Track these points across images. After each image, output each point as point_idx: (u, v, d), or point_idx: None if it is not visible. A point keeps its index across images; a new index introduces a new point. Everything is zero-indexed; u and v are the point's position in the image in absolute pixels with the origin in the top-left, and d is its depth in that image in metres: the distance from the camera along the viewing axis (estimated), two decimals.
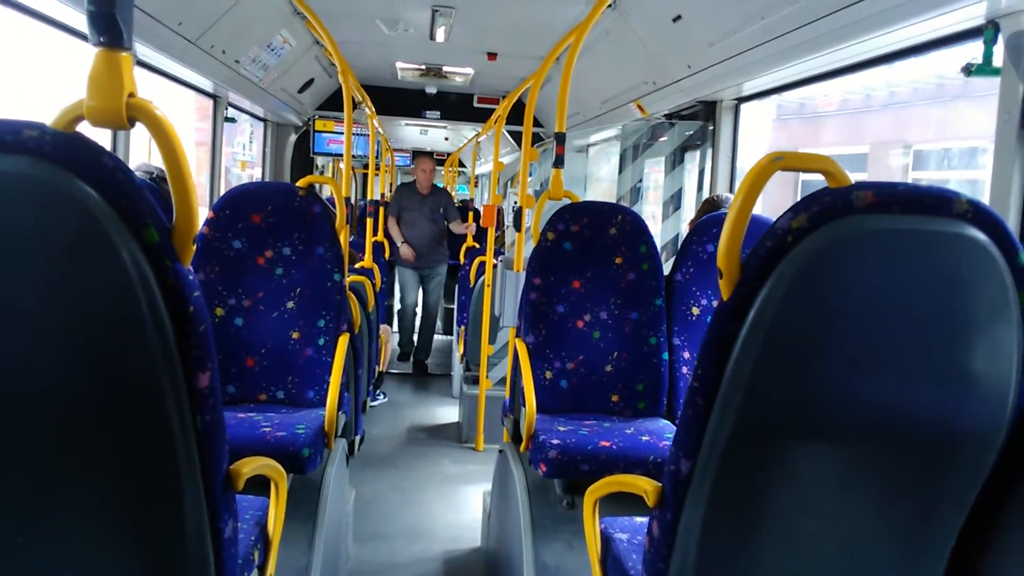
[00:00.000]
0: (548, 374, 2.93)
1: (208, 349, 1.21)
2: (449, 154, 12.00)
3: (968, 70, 2.23)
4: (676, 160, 4.31)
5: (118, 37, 1.09)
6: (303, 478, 2.57)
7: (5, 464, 1.22)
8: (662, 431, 2.68)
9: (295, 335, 2.83)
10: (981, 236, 1.21)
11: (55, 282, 1.12)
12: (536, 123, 6.60)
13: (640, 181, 4.63)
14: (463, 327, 5.89)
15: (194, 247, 1.19)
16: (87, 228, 1.09)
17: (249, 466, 1.47)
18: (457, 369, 5.99)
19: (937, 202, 1.22)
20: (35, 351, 1.15)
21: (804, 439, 1.32)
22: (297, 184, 2.90)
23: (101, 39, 1.09)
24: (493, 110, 6.80)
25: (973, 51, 2.27)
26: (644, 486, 1.52)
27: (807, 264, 1.20)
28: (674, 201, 4.35)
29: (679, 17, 3.49)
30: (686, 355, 2.94)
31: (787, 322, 1.22)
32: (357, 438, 3.42)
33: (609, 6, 3.24)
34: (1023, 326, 1.25)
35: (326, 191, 8.34)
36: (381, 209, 6.71)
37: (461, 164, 12.65)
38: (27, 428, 1.20)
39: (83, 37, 2.79)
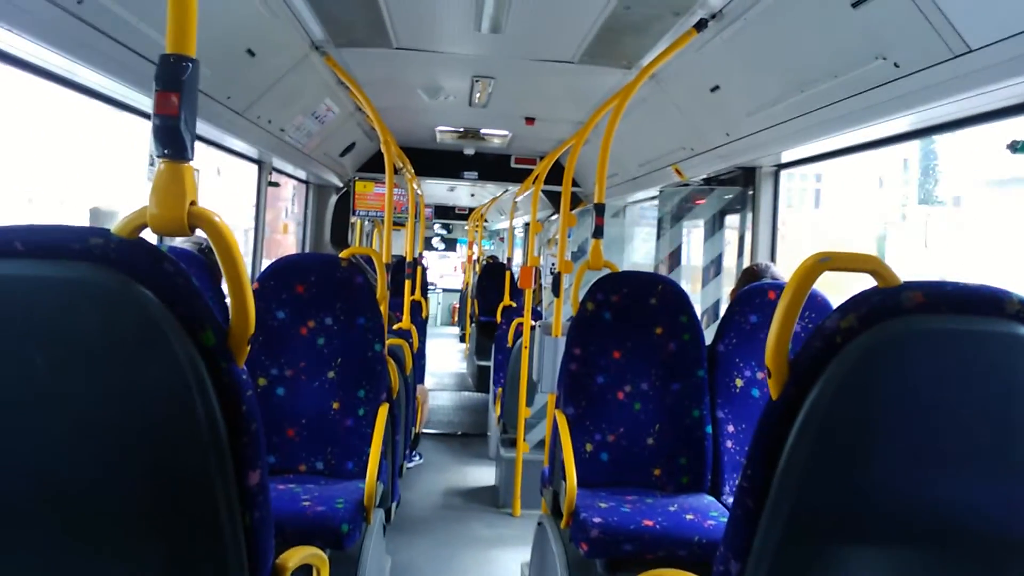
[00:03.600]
0: (588, 446, 2.91)
1: (259, 447, 1.23)
2: (471, 209, 12.11)
3: (1015, 147, 2.22)
4: (716, 225, 4.31)
5: (182, 150, 1.14)
6: (342, 553, 2.56)
7: (56, 559, 1.24)
8: (706, 509, 2.63)
9: (335, 405, 2.85)
10: None
11: (114, 382, 1.15)
12: (573, 182, 6.67)
13: (679, 247, 4.63)
14: (500, 388, 5.88)
15: (248, 348, 1.22)
16: (146, 331, 1.12)
17: (294, 558, 1.47)
18: (494, 430, 5.96)
19: (988, 302, 1.20)
20: (91, 448, 1.18)
21: (857, 542, 1.29)
22: (340, 255, 2.95)
23: (166, 151, 1.14)
24: (529, 170, 6.88)
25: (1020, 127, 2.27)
26: None
27: (857, 365, 1.19)
28: (714, 266, 4.33)
29: (717, 87, 3.52)
30: (730, 428, 2.89)
31: (838, 424, 1.21)
32: (393, 504, 3.41)
33: (650, 76, 3.29)
34: None
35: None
36: (419, 269, 6.77)
37: (484, 219, 12.76)
38: (78, 523, 1.22)
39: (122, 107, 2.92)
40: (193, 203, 1.16)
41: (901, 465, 1.23)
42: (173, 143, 1.14)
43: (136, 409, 1.16)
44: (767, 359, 1.27)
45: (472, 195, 10.95)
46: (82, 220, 3.73)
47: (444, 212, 13.29)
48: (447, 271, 17.06)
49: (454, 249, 17.10)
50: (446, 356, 12.01)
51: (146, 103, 2.82)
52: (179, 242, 3.04)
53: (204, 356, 1.15)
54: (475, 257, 12.29)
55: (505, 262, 9.44)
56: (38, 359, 1.12)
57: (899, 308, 1.19)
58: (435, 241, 17.11)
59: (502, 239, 13.35)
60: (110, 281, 1.11)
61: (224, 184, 5.03)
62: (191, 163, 1.16)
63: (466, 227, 12.48)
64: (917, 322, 1.18)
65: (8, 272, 1.11)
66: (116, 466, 1.19)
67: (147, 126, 3.07)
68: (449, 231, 16.94)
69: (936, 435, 1.21)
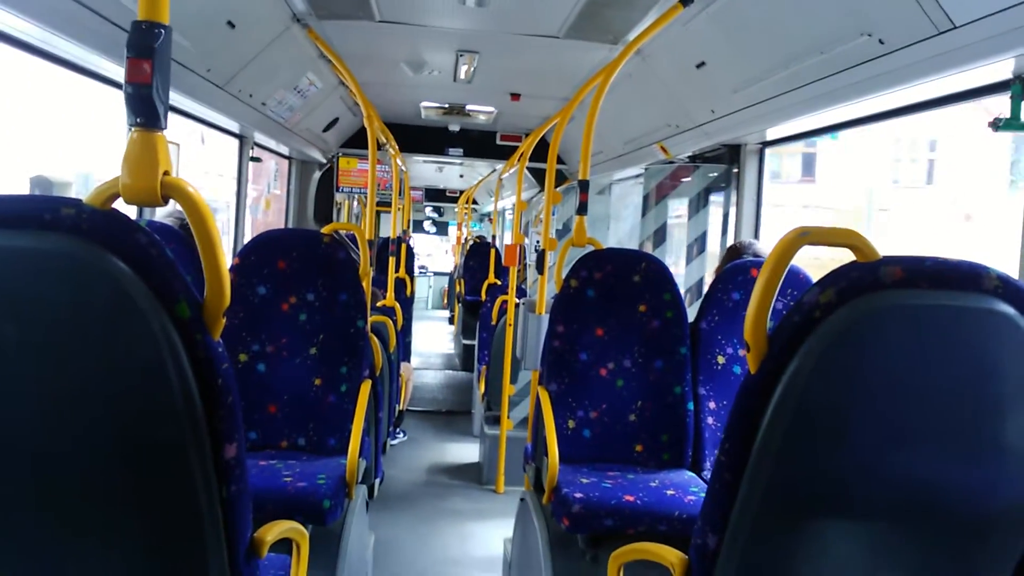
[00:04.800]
0: (571, 423, 2.91)
1: (235, 420, 1.22)
2: (462, 191, 12.08)
3: (996, 125, 2.22)
4: (700, 203, 4.31)
5: (155, 118, 1.11)
6: (324, 529, 2.56)
7: (31, 533, 1.23)
8: (687, 484, 2.64)
9: (317, 382, 2.84)
10: (1011, 311, 1.19)
11: (87, 355, 1.14)
12: (558, 160, 6.65)
13: (664, 224, 4.63)
14: (484, 365, 5.89)
15: (224, 320, 1.20)
16: (120, 303, 1.11)
17: (272, 532, 1.47)
18: (478, 408, 5.98)
19: (966, 277, 1.20)
20: (63, 421, 1.16)
21: (833, 515, 1.30)
22: (322, 231, 2.92)
23: (138, 120, 1.11)
24: (515, 147, 6.85)
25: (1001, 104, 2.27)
26: (671, 558, 1.50)
27: (835, 339, 1.19)
28: (698, 244, 4.34)
29: (703, 63, 3.50)
30: (711, 405, 2.91)
31: (815, 397, 1.21)
32: (376, 481, 3.41)
33: (634, 52, 3.26)
34: None
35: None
36: (403, 247, 6.74)
37: (474, 202, 12.73)
38: (54, 496, 1.21)
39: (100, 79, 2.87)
40: (167, 173, 1.14)
41: (878, 439, 1.23)
42: (146, 111, 1.12)
43: (110, 382, 1.15)
44: (746, 333, 1.27)
45: (461, 176, 10.90)
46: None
47: (435, 195, 13.23)
48: (439, 253, 17.01)
49: (445, 233, 17.04)
50: (436, 337, 12.03)
51: (118, 72, 2.76)
52: (160, 217, 3.00)
53: (179, 328, 1.13)
54: (464, 239, 12.27)
55: (490, 241, 9.43)
56: (8, 331, 1.10)
57: (878, 283, 1.19)
58: (426, 224, 17.04)
59: (491, 220, 13.32)
60: (82, 252, 1.09)
61: (209, 152, 4.94)
62: (164, 132, 1.14)
63: (456, 210, 12.44)
64: (895, 297, 1.18)
65: None
66: (90, 440, 1.18)
67: (109, 94, 3.00)
68: (441, 214, 16.87)
69: (913, 409, 1.22)
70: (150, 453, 1.18)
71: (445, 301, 15.85)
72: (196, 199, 1.15)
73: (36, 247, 1.09)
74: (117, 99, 2.83)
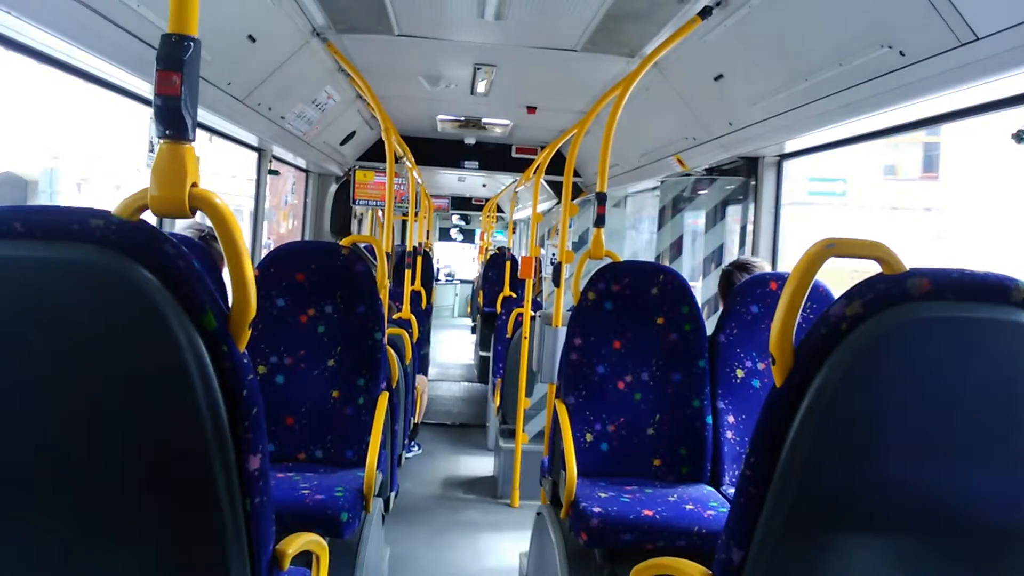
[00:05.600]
0: (588, 436, 2.90)
1: (260, 432, 1.22)
2: (487, 199, 12.09)
3: (1019, 137, 2.21)
4: (717, 215, 4.30)
5: (183, 130, 1.12)
6: (341, 541, 2.56)
7: (52, 541, 1.23)
8: (706, 499, 2.62)
9: (335, 394, 2.84)
10: None
11: (115, 364, 1.14)
12: (574, 172, 6.65)
13: (680, 237, 4.62)
14: (499, 378, 5.87)
15: (250, 332, 1.21)
16: (147, 313, 1.11)
17: (294, 544, 1.46)
18: (493, 421, 5.96)
19: (993, 289, 1.19)
20: (90, 430, 1.17)
21: (859, 530, 1.28)
22: (340, 243, 2.93)
23: (167, 132, 1.12)
24: (531, 160, 6.86)
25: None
26: (694, 573, 1.48)
27: (862, 352, 1.18)
28: (715, 257, 4.32)
29: (721, 76, 3.50)
30: (730, 419, 2.89)
31: (842, 411, 1.20)
32: (392, 494, 3.40)
33: (651, 65, 3.27)
34: None
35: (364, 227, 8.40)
36: (419, 259, 6.76)
37: (499, 210, 12.74)
38: (79, 506, 1.22)
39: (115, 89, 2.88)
40: (195, 185, 1.15)
41: (905, 452, 1.22)
42: (174, 123, 1.13)
43: (136, 392, 1.15)
44: (771, 345, 1.27)
45: (484, 185, 10.90)
46: None
47: (462, 203, 13.24)
48: (466, 261, 17.05)
49: (472, 240, 17.09)
50: (458, 347, 12.01)
51: (145, 88, 2.79)
52: (180, 228, 3.02)
53: (205, 339, 1.14)
54: (487, 248, 12.27)
55: (507, 252, 9.42)
56: (38, 341, 1.11)
57: (905, 295, 1.18)
58: (453, 232, 17.10)
59: (513, 230, 13.31)
60: (110, 263, 1.10)
61: (217, 152, 4.93)
62: (192, 144, 1.15)
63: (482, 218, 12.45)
64: (923, 309, 1.18)
65: (7, 253, 1.10)
66: (116, 449, 1.18)
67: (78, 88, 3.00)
68: (468, 222, 16.92)
69: (940, 422, 1.21)
70: (175, 463, 1.19)
71: (469, 309, 15.89)
72: (223, 210, 1.16)
73: (65, 258, 1.10)
74: (87, 94, 2.82)
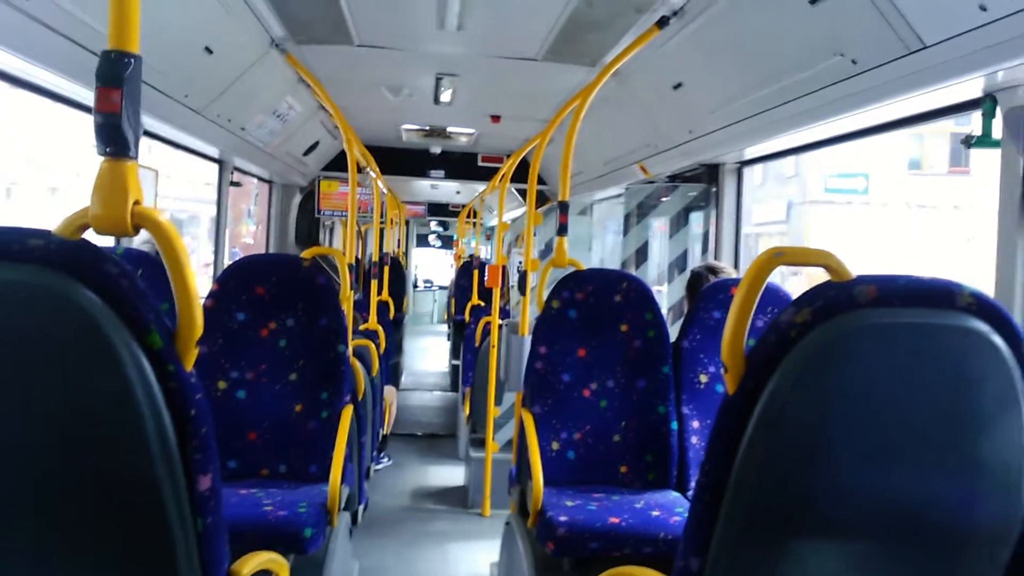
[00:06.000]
0: (555, 445, 2.90)
1: (210, 451, 1.20)
2: (463, 206, 12.05)
3: (968, 142, 2.25)
4: (680, 222, 4.33)
5: (124, 147, 1.10)
6: (306, 557, 2.53)
7: (3, 564, 1.20)
8: (672, 505, 2.63)
9: (298, 408, 2.81)
10: (984, 328, 1.20)
11: (57, 386, 1.12)
12: (540, 180, 6.67)
13: (645, 243, 4.65)
14: (469, 387, 5.86)
15: (197, 350, 1.19)
16: (90, 333, 1.09)
17: (250, 564, 1.44)
18: (463, 430, 5.94)
19: (940, 295, 1.21)
20: (35, 452, 1.15)
21: (814, 535, 1.29)
22: (301, 255, 2.91)
23: (107, 149, 1.10)
24: (497, 168, 6.87)
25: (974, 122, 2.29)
26: None
27: (811, 359, 1.19)
28: (679, 263, 4.35)
29: (680, 84, 3.53)
30: (695, 424, 2.90)
31: (793, 417, 1.21)
32: (360, 507, 3.37)
33: (612, 74, 3.29)
34: None
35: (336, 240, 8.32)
36: (386, 269, 6.72)
37: (477, 215, 12.70)
38: (25, 529, 1.19)
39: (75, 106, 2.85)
40: (137, 202, 1.13)
41: (857, 458, 1.23)
42: (115, 141, 1.11)
43: (81, 413, 1.13)
44: (723, 353, 1.27)
45: (458, 192, 10.86)
46: None
47: (439, 210, 13.18)
48: (445, 268, 16.99)
49: (451, 247, 17.07)
50: (435, 354, 11.93)
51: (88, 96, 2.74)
52: (137, 243, 2.97)
53: (150, 359, 1.12)
54: (461, 256, 12.22)
55: (474, 260, 9.40)
56: None
57: (853, 302, 1.19)
58: (431, 239, 17.05)
59: (488, 237, 13.26)
60: (51, 283, 1.08)
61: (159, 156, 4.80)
62: (134, 161, 1.13)
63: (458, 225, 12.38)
64: (871, 316, 1.19)
65: None
66: (61, 472, 1.16)
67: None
68: (446, 228, 16.86)
69: (891, 428, 1.22)
70: (122, 486, 1.16)
71: (446, 316, 15.85)
72: (167, 229, 1.14)
73: (5, 278, 1.08)
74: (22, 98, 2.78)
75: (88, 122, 1.16)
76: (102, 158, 1.12)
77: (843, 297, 1.20)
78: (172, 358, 1.14)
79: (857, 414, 1.21)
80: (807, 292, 1.23)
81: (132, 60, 1.13)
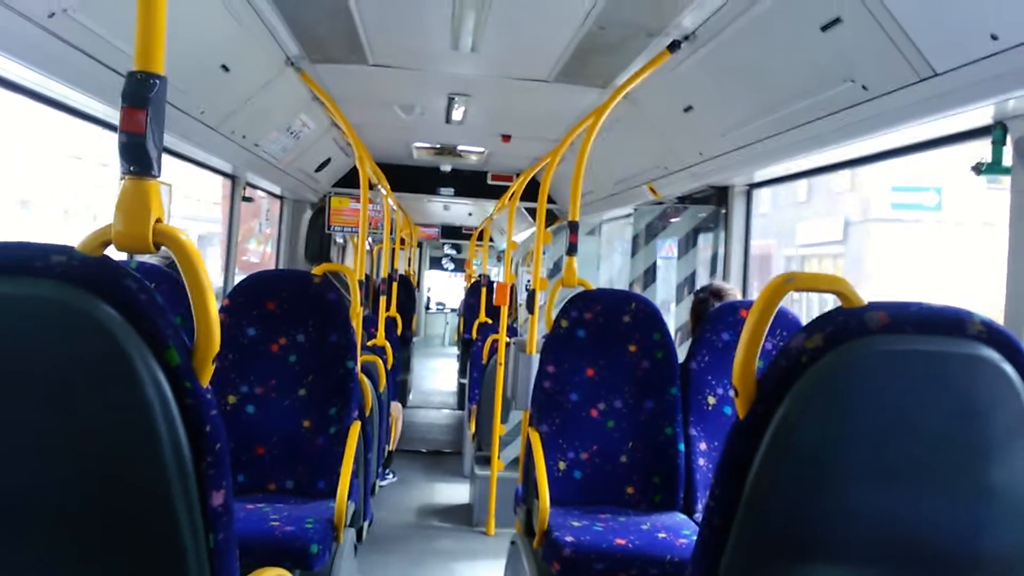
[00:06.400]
0: (562, 464, 2.90)
1: (223, 467, 1.21)
2: (474, 228, 12.08)
3: (978, 169, 2.26)
4: (689, 243, 4.34)
5: (148, 166, 1.13)
6: (312, 573, 2.53)
7: None
8: (679, 527, 2.63)
9: (306, 423, 2.82)
10: (995, 356, 1.21)
11: (75, 401, 1.13)
12: (550, 200, 6.70)
13: (654, 264, 4.66)
14: (475, 405, 5.86)
15: (214, 366, 1.20)
16: (110, 349, 1.11)
17: None
18: (468, 448, 5.93)
19: (951, 323, 1.22)
20: (50, 467, 1.16)
21: (823, 560, 1.29)
22: (312, 271, 2.93)
23: (131, 168, 1.13)
24: (506, 187, 6.90)
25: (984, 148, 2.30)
26: None
27: (822, 384, 1.20)
28: (688, 284, 4.36)
29: (691, 107, 3.56)
30: (703, 446, 2.90)
31: (804, 442, 1.22)
32: (366, 524, 3.37)
33: (623, 96, 3.32)
34: None
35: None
36: (394, 285, 6.74)
37: (492, 239, 12.72)
38: (40, 541, 1.20)
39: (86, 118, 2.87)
40: (159, 220, 1.15)
41: (867, 484, 1.23)
42: (139, 160, 1.13)
43: (98, 429, 1.14)
44: (734, 377, 1.28)
45: (470, 214, 10.90)
46: None
47: (452, 232, 13.23)
48: (457, 291, 17.07)
49: (463, 270, 17.14)
50: (445, 375, 11.95)
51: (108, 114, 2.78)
52: (148, 257, 3.00)
53: (168, 375, 1.13)
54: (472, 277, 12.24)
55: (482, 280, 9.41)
56: None
57: (864, 328, 1.20)
58: (444, 262, 17.11)
59: (499, 258, 13.29)
60: (72, 299, 1.10)
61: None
62: (157, 180, 1.15)
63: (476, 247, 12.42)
64: (881, 342, 1.20)
65: None
66: (76, 486, 1.17)
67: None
68: (459, 251, 16.92)
69: (901, 454, 1.22)
70: (136, 501, 1.17)
71: (456, 338, 15.88)
72: (188, 246, 1.16)
73: (26, 294, 1.10)
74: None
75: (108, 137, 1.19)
76: (125, 176, 1.14)
77: (854, 323, 1.21)
78: (189, 374, 1.16)
79: (867, 440, 1.22)
80: (818, 318, 1.24)
81: (157, 81, 1.16)
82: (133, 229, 1.14)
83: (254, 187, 5.46)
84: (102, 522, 1.19)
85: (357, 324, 3.27)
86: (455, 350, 14.62)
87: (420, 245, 14.02)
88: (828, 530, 1.26)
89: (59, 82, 2.31)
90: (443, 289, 17.29)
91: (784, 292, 1.27)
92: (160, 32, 1.18)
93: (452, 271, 17.24)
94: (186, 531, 1.18)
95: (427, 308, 16.75)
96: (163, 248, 1.18)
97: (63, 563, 1.21)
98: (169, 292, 2.88)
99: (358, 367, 2.93)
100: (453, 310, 16.65)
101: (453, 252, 16.99)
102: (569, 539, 2.46)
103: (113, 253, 1.18)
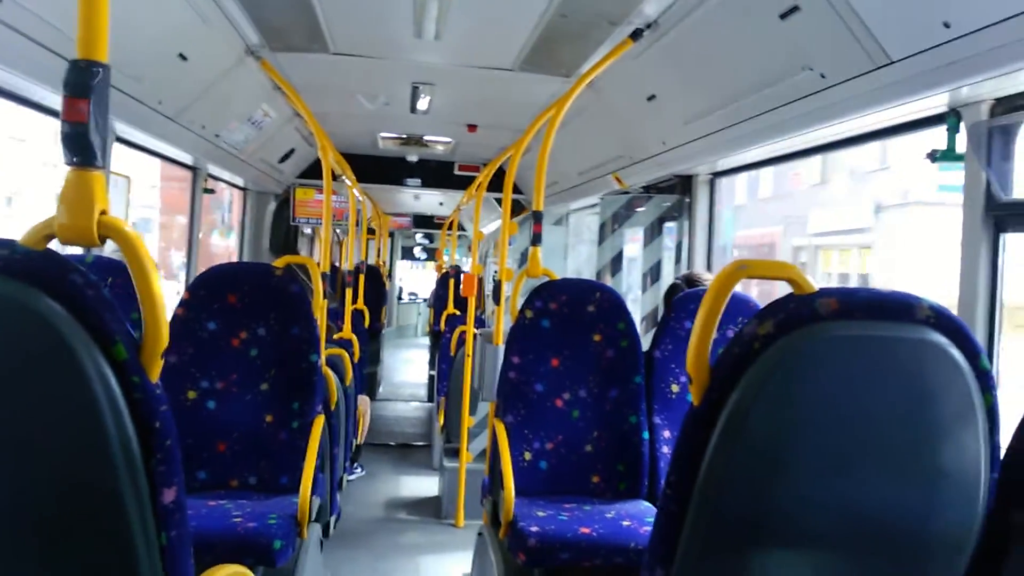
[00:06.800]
0: (527, 455, 2.90)
1: (174, 464, 1.19)
2: (446, 218, 12.03)
3: (933, 157, 2.29)
4: (655, 232, 4.36)
5: (91, 157, 1.10)
6: (275, 570, 2.51)
7: None
8: (643, 515, 2.64)
9: (269, 418, 2.79)
10: (943, 340, 1.23)
11: (21, 397, 1.11)
12: (516, 190, 6.68)
13: (620, 253, 4.67)
14: (443, 397, 5.85)
15: (162, 361, 1.18)
16: (54, 344, 1.08)
17: None
18: (437, 440, 5.92)
19: (899, 308, 1.24)
20: None
21: (777, 544, 1.30)
22: (274, 264, 2.89)
23: (74, 159, 1.10)
24: (474, 177, 6.88)
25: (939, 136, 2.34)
26: None
27: (774, 371, 1.21)
28: (653, 273, 4.38)
29: (654, 96, 3.57)
30: (666, 434, 2.92)
31: (757, 428, 1.22)
32: (333, 519, 3.35)
33: (587, 85, 3.31)
34: (989, 429, 1.26)
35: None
36: (361, 277, 6.69)
37: (462, 228, 12.66)
38: None
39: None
40: (103, 212, 1.12)
41: (819, 469, 1.25)
42: (82, 150, 1.10)
43: (44, 425, 1.12)
44: (688, 364, 1.29)
45: (441, 204, 10.84)
46: None
47: (424, 222, 13.13)
48: (429, 281, 16.96)
49: (435, 260, 17.04)
50: (417, 366, 11.88)
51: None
52: (108, 251, 2.95)
53: (115, 370, 1.11)
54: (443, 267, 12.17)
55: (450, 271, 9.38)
56: None
57: (814, 315, 1.21)
58: (416, 251, 16.99)
59: (470, 248, 13.21)
60: (14, 293, 1.07)
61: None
62: (101, 171, 1.12)
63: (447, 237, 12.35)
64: (832, 328, 1.21)
65: None
66: (23, 483, 1.14)
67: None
68: (431, 241, 16.80)
69: (851, 438, 1.24)
70: (84, 498, 1.15)
71: (428, 328, 15.80)
72: (134, 239, 1.14)
73: None
74: None
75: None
76: (68, 167, 1.11)
77: (805, 310, 1.22)
78: (137, 369, 1.13)
79: (819, 425, 1.23)
80: (770, 304, 1.25)
81: (100, 69, 1.13)
82: (77, 221, 1.11)
83: (216, 179, 5.38)
84: (50, 521, 1.17)
85: (321, 317, 3.24)
86: (427, 340, 14.59)
87: (392, 235, 13.92)
88: (782, 515, 1.27)
89: (4, 69, 2.25)
90: (416, 279, 17.20)
91: (736, 279, 1.28)
92: (103, 19, 1.15)
93: (425, 261, 17.16)
94: (137, 529, 1.16)
95: (399, 299, 16.65)
96: (105, 243, 1.16)
97: (10, 562, 1.19)
98: (127, 287, 2.82)
99: (322, 360, 2.90)
100: (425, 300, 16.58)
101: (426, 241, 16.88)
102: (534, 529, 2.46)
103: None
